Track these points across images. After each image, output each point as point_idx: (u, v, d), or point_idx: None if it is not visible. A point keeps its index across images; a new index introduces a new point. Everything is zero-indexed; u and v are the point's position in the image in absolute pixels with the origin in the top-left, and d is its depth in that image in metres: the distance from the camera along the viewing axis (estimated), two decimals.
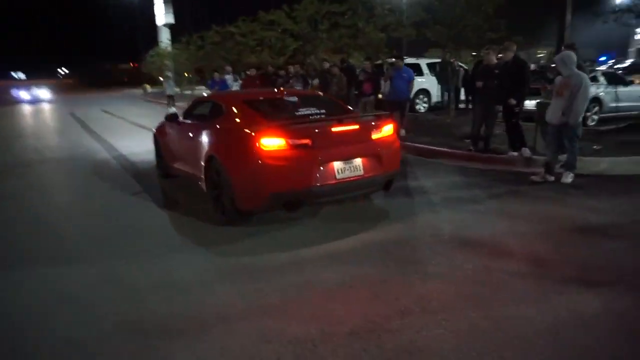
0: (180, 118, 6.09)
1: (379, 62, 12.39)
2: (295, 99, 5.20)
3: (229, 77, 13.91)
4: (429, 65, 14.24)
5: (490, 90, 7.22)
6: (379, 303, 3.13)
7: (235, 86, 13.54)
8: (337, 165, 4.29)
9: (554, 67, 6.76)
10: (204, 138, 5.05)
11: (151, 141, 7.30)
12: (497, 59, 7.32)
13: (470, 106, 12.51)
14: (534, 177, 6.13)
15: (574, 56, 5.73)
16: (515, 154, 7.13)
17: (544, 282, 3.38)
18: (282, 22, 15.68)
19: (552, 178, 6.03)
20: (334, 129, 4.37)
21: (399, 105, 9.54)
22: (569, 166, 5.97)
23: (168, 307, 3.18)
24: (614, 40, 32.64)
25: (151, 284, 3.52)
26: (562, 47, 6.73)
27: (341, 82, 10.62)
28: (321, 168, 4.20)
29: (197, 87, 26.36)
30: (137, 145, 10.09)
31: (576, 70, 5.71)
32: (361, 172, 4.44)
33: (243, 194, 4.34)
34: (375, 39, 13.14)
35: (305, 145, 4.16)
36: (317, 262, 3.81)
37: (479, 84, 7.37)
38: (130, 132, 13.19)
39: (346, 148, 4.37)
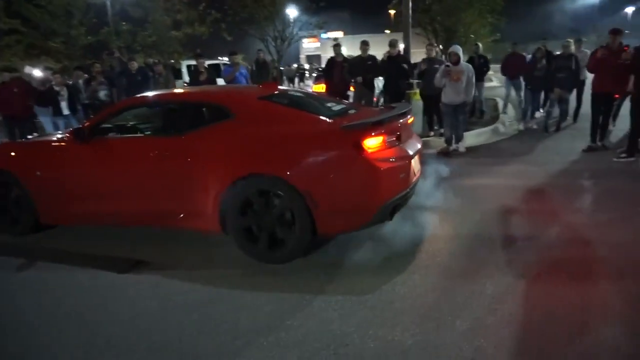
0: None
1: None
2: (301, 93, 4.29)
3: None
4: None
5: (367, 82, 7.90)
6: (599, 301, 2.83)
7: None
8: (414, 161, 3.84)
9: (427, 60, 7.86)
10: (207, 154, 3.60)
11: None
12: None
13: None
14: (459, 149, 7.16)
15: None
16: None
17: None
18: (25, 12, 11.72)
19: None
20: (403, 122, 3.84)
21: None
22: (460, 138, 7.24)
23: None
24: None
25: None
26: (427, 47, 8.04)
27: (169, 82, 9.16)
28: (410, 166, 3.69)
29: None
30: None
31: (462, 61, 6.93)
32: (419, 167, 4.12)
33: (339, 213, 3.36)
34: (167, 37, 11.54)
35: (396, 141, 3.57)
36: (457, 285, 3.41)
37: (359, 78, 7.84)
38: None
39: (413, 142, 3.96)
